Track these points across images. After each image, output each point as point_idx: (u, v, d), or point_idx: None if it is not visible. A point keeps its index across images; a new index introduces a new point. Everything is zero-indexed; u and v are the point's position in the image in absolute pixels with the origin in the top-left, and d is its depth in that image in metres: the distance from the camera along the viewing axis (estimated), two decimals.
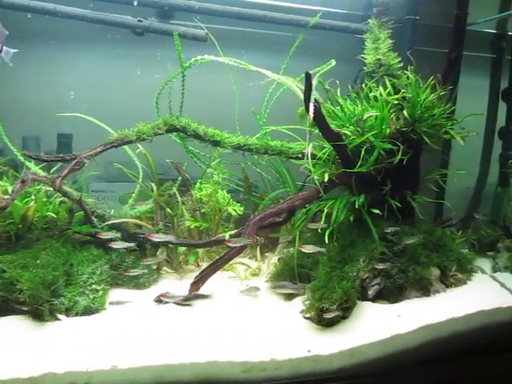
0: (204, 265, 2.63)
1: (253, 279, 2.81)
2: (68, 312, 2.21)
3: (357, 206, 2.46)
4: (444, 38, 2.88)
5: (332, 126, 2.42)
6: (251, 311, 2.36)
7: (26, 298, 2.10)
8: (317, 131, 2.45)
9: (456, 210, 3.19)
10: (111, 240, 2.48)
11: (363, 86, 2.68)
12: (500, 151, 3.76)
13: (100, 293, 2.33)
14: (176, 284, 2.68)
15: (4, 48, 2.37)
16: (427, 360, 2.22)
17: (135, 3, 2.96)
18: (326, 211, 2.51)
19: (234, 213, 2.90)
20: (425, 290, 2.50)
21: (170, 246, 2.75)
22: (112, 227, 2.71)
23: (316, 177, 2.49)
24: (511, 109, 3.68)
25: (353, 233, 2.55)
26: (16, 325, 2.10)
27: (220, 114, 2.96)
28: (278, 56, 3.14)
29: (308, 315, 2.25)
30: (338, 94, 2.71)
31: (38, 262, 2.25)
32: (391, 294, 2.45)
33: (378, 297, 2.44)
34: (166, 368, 1.89)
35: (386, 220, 2.56)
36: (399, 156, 2.43)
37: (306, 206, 2.64)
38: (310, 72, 2.15)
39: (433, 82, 2.61)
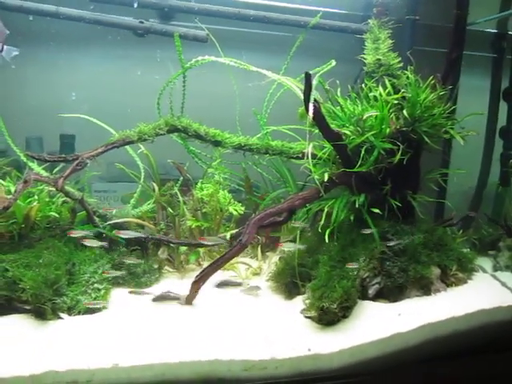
0: (205, 264, 2.64)
1: (254, 278, 2.83)
2: (70, 311, 2.23)
3: (357, 206, 2.47)
4: (444, 38, 2.88)
5: (332, 126, 2.43)
6: (252, 310, 2.37)
7: (29, 296, 2.13)
8: (317, 131, 2.46)
9: (458, 209, 3.20)
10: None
11: (363, 85, 2.69)
12: (501, 151, 3.76)
13: (102, 292, 2.35)
14: (177, 283, 2.69)
15: (5, 47, 2.39)
16: (428, 359, 2.23)
17: (135, 5, 2.98)
18: (326, 211, 2.52)
19: (235, 212, 2.92)
20: (425, 289, 2.49)
21: (172, 245, 2.77)
22: (114, 227, 2.73)
23: (316, 176, 2.50)
24: None
25: (353, 232, 2.56)
26: (19, 323, 2.12)
27: (221, 114, 2.98)
28: (278, 56, 3.15)
29: (308, 314, 2.26)
30: (339, 94, 2.72)
31: (41, 261, 2.27)
32: (391, 293, 2.45)
33: (379, 296, 2.44)
34: (167, 366, 1.91)
35: (386, 219, 2.56)
36: (399, 156, 2.44)
37: (307, 205, 2.65)
38: (310, 72, 2.16)
39: (433, 82, 2.62)
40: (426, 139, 2.51)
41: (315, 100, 2.19)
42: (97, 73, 3.40)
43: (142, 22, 3.07)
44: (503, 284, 2.66)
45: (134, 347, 1.96)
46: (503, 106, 3.75)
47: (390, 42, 2.88)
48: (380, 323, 2.22)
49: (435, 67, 2.77)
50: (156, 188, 2.99)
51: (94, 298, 2.29)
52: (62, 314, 2.20)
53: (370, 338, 2.11)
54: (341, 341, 2.09)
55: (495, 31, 3.75)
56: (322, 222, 2.49)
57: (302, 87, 2.20)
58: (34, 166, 2.79)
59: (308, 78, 2.14)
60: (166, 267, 2.87)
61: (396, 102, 2.57)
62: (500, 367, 2.34)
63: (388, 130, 2.50)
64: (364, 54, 2.90)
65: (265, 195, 3.22)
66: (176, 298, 2.41)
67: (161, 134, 2.71)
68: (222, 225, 3.01)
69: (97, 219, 2.72)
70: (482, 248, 3.16)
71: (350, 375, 2.09)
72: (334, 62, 2.74)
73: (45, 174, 2.68)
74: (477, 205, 3.67)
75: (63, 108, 3.03)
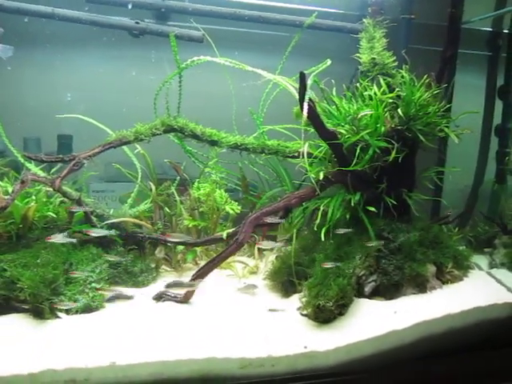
0: (202, 263, 2.66)
1: (251, 277, 2.84)
2: (68, 310, 2.24)
3: (352, 204, 2.49)
4: (439, 37, 2.90)
5: (328, 125, 2.44)
6: (249, 308, 2.39)
7: (27, 296, 2.14)
8: (313, 130, 2.47)
9: (454, 207, 3.21)
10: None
11: (358, 85, 2.71)
12: (497, 148, 3.77)
13: (99, 291, 2.36)
14: None
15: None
16: (424, 356, 2.24)
17: (129, 6, 2.99)
18: (322, 209, 2.53)
19: (231, 212, 2.93)
20: (421, 286, 2.51)
21: (169, 244, 2.79)
22: (111, 226, 2.75)
23: (312, 175, 2.51)
24: (507, 106, 3.69)
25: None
26: (17, 323, 2.14)
27: (217, 114, 2.99)
28: (274, 56, 3.16)
29: (305, 312, 2.27)
30: (334, 93, 2.73)
31: (39, 260, 2.29)
32: (387, 290, 2.47)
33: (375, 294, 2.46)
34: (164, 365, 1.92)
35: (381, 217, 2.58)
36: (394, 154, 2.45)
37: (303, 204, 2.66)
38: (305, 72, 2.18)
39: (428, 81, 2.63)
40: (421, 137, 2.52)
41: (310, 99, 2.21)
42: (93, 73, 3.41)
43: (137, 23, 3.09)
44: (499, 281, 2.68)
45: (131, 346, 1.97)
46: (499, 104, 3.76)
47: (385, 41, 2.89)
48: (376, 321, 2.23)
49: (430, 66, 2.78)
50: (153, 188, 3.00)
51: (92, 298, 2.30)
52: (59, 314, 2.21)
53: (366, 336, 2.13)
54: (337, 338, 2.10)
55: (490, 29, 3.76)
56: (318, 221, 2.51)
57: (298, 87, 2.21)
58: (32, 166, 2.79)
59: (302, 78, 2.16)
60: (164, 266, 2.89)
61: (391, 100, 2.58)
62: (496, 364, 2.35)
63: (383, 129, 2.52)
64: (359, 53, 2.91)
65: (261, 194, 3.23)
66: (174, 297, 2.43)
67: (157, 134, 2.73)
68: (219, 224, 3.03)
69: (94, 219, 2.73)
70: (477, 245, 3.18)
71: (346, 372, 2.11)
72: (329, 62, 2.75)
73: (42, 174, 2.69)
74: (473, 202, 3.68)
75: (61, 109, 3.04)
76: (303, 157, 2.41)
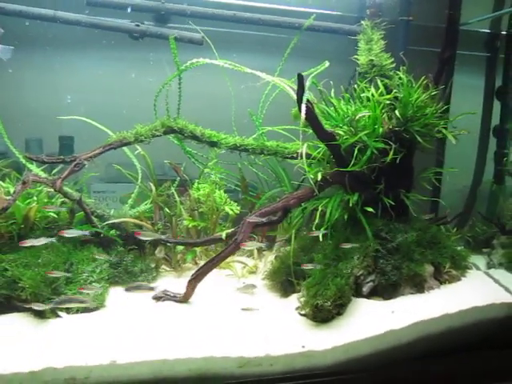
0: (201, 263, 2.68)
1: (250, 277, 2.86)
2: (68, 309, 2.26)
3: (350, 205, 2.50)
4: (438, 38, 2.91)
5: (326, 126, 2.46)
6: (248, 308, 2.40)
7: (28, 295, 2.17)
8: (311, 131, 2.49)
9: (453, 207, 3.23)
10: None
11: (356, 86, 2.73)
12: (495, 149, 3.79)
13: (100, 291, 2.38)
14: (174, 282, 2.73)
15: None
16: (421, 355, 2.25)
17: (129, 10, 3.03)
18: (320, 210, 2.55)
19: (230, 212, 2.95)
20: (419, 286, 2.52)
21: (168, 244, 2.81)
22: (112, 227, 2.77)
23: (311, 176, 2.53)
24: (505, 107, 3.71)
25: (347, 230, 2.59)
26: (18, 322, 2.16)
27: (217, 115, 3.02)
28: (274, 57, 3.18)
29: (303, 312, 2.29)
30: (333, 94, 2.75)
31: (40, 260, 2.32)
32: (385, 290, 2.48)
33: (373, 293, 2.47)
34: (164, 363, 1.94)
35: (379, 218, 2.59)
36: (392, 155, 2.47)
37: (302, 204, 2.68)
38: (303, 74, 2.20)
39: (425, 82, 2.65)
40: (419, 138, 2.54)
41: (308, 101, 2.22)
42: (94, 75, 3.44)
43: (138, 25, 3.12)
44: (496, 281, 2.68)
45: (131, 344, 1.99)
46: (497, 105, 3.78)
47: (383, 42, 2.91)
48: (374, 320, 2.24)
49: (429, 67, 2.80)
50: (153, 188, 3.03)
51: (92, 297, 2.32)
52: (60, 313, 2.23)
53: (364, 335, 2.14)
54: (335, 338, 2.12)
55: (489, 31, 3.78)
56: (317, 221, 2.52)
57: (296, 88, 2.23)
58: (33, 167, 2.82)
59: (300, 80, 2.18)
60: (163, 266, 2.92)
61: (388, 102, 2.60)
62: (494, 364, 2.36)
63: (381, 130, 2.53)
64: (357, 54, 2.93)
65: (260, 195, 3.25)
66: (173, 297, 2.45)
67: (157, 135, 2.75)
68: (219, 224, 3.05)
69: (95, 219, 2.76)
70: (476, 246, 3.19)
71: (343, 372, 2.12)
72: (327, 63, 2.77)
73: (43, 175, 2.72)
74: (471, 203, 3.70)
75: (62, 110, 3.08)
76: (302, 158, 2.43)
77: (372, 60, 2.83)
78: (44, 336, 2.05)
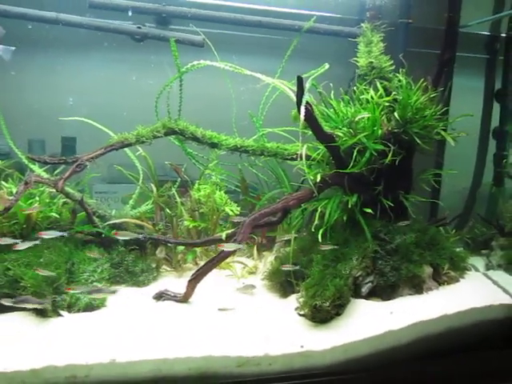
0: (202, 263, 2.69)
1: (249, 277, 2.88)
2: (70, 308, 2.29)
3: (350, 206, 2.52)
4: (437, 40, 2.93)
5: (325, 128, 2.48)
6: (247, 308, 2.42)
7: (30, 294, 2.18)
8: (311, 133, 2.51)
9: (453, 209, 3.24)
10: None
11: (356, 88, 2.74)
12: (494, 151, 3.80)
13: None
14: (175, 282, 2.75)
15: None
16: (420, 356, 2.26)
17: (129, 13, 3.06)
18: (319, 211, 2.57)
19: (230, 213, 2.97)
20: (417, 287, 2.54)
21: (169, 245, 2.83)
22: (113, 227, 2.80)
23: (310, 177, 2.55)
24: (505, 109, 3.72)
25: (346, 232, 2.61)
26: (20, 320, 2.18)
27: (217, 116, 3.04)
28: (274, 59, 3.20)
29: (302, 312, 2.30)
30: (333, 96, 2.77)
31: (42, 260, 2.34)
32: (384, 291, 2.49)
33: (372, 294, 2.49)
34: (164, 362, 1.95)
35: (378, 219, 2.61)
36: (391, 157, 2.49)
37: (301, 205, 2.70)
38: (303, 76, 2.22)
39: (425, 84, 2.66)
40: (418, 140, 2.55)
41: (308, 103, 2.24)
42: (96, 77, 3.46)
43: (139, 28, 3.14)
44: (495, 282, 2.70)
45: (131, 343, 2.01)
46: (497, 107, 3.79)
47: (383, 45, 2.93)
48: (372, 321, 2.26)
49: (428, 69, 2.82)
50: (154, 189, 3.05)
51: (93, 297, 2.34)
52: (62, 312, 2.26)
53: (363, 336, 2.15)
54: (333, 338, 2.13)
55: (488, 33, 3.79)
56: (316, 222, 2.54)
57: (295, 90, 2.25)
58: (36, 168, 2.86)
59: (300, 82, 2.20)
60: (164, 266, 2.94)
61: (388, 104, 2.62)
62: (492, 365, 2.37)
63: (380, 132, 2.55)
64: (357, 57, 2.95)
65: (261, 196, 3.27)
66: (173, 297, 2.47)
67: (158, 137, 2.77)
68: (219, 225, 3.07)
69: (96, 219, 2.78)
70: (475, 247, 3.20)
71: (342, 372, 2.13)
72: (327, 65, 2.79)
73: (46, 175, 2.75)
74: (471, 205, 3.71)
75: (64, 111, 3.10)
76: (301, 159, 2.45)
77: (371, 62, 2.85)
78: (45, 334, 2.07)
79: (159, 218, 3.05)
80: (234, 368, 2.01)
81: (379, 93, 2.64)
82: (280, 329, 2.20)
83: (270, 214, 2.53)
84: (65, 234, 2.46)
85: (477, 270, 2.94)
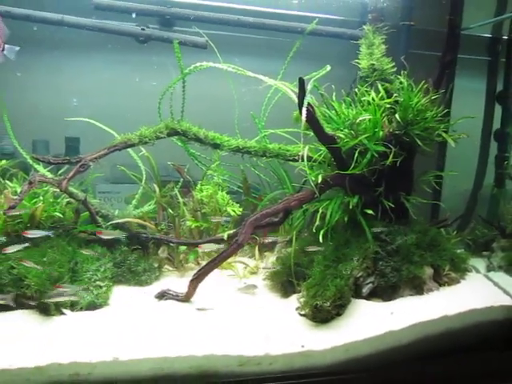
0: (203, 263, 2.71)
1: (251, 277, 2.90)
2: (73, 307, 2.31)
3: (351, 207, 2.53)
4: (439, 42, 2.94)
5: (327, 129, 2.50)
6: (248, 308, 2.44)
7: (34, 293, 2.21)
8: (313, 134, 2.52)
9: (454, 210, 3.25)
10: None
11: (357, 90, 2.76)
12: (496, 153, 3.81)
13: (103, 289, 2.43)
14: (177, 281, 2.77)
15: (6, 46, 2.48)
16: (420, 356, 2.27)
17: (133, 15, 3.09)
18: (320, 211, 2.58)
19: (232, 213, 2.99)
20: (418, 288, 2.54)
21: (171, 244, 2.86)
22: (116, 227, 2.82)
23: (312, 178, 2.56)
24: (506, 111, 3.73)
25: (347, 232, 2.62)
26: (24, 318, 2.20)
27: (220, 117, 3.06)
28: (277, 60, 3.22)
29: (303, 312, 2.31)
30: (335, 98, 2.79)
31: (45, 259, 2.36)
32: (385, 292, 2.50)
33: (372, 295, 2.49)
34: (165, 360, 1.97)
35: (379, 220, 2.62)
36: (391, 158, 2.50)
37: (303, 206, 2.71)
38: (305, 77, 2.24)
39: (426, 86, 2.68)
40: (419, 142, 2.57)
41: (309, 104, 2.26)
42: (100, 78, 3.50)
43: (143, 29, 3.17)
44: (496, 284, 2.70)
45: (133, 342, 2.03)
46: (499, 109, 3.80)
47: (385, 47, 2.94)
48: (373, 321, 2.26)
49: (430, 70, 2.83)
50: (157, 189, 3.08)
51: (96, 295, 2.37)
52: (65, 310, 2.28)
53: (363, 336, 2.16)
54: (334, 338, 2.14)
55: (490, 35, 3.81)
56: (317, 223, 2.55)
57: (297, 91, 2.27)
58: (40, 167, 2.88)
59: (301, 84, 2.21)
60: (166, 266, 2.95)
61: (389, 105, 2.63)
62: (492, 366, 2.38)
63: (381, 133, 2.56)
64: (359, 59, 2.97)
65: (262, 196, 3.29)
66: (175, 296, 2.49)
67: (161, 137, 2.80)
68: (221, 225, 3.09)
69: (100, 219, 2.81)
70: (476, 248, 3.20)
71: (343, 372, 2.14)
72: (328, 67, 2.81)
73: (50, 175, 2.77)
74: (472, 206, 3.72)
75: (68, 112, 3.13)
76: (303, 160, 2.46)
77: (373, 64, 2.86)
78: (49, 332, 2.09)
79: (162, 218, 3.07)
80: (235, 367, 2.03)
81: (380, 95, 2.65)
82: (281, 328, 2.22)
83: (271, 214, 2.55)
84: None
85: (478, 271, 2.94)
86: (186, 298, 2.47)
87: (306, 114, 2.23)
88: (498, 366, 2.38)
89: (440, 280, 2.65)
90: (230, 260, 2.73)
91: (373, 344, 2.18)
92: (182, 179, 3.23)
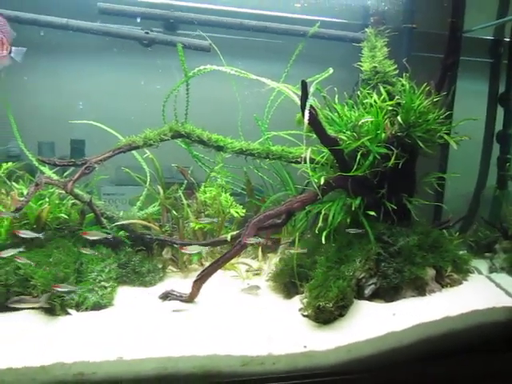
0: (207, 264, 2.73)
1: (254, 278, 2.92)
2: (78, 307, 2.34)
3: (353, 208, 2.54)
4: (441, 45, 2.95)
5: (330, 132, 2.52)
6: (251, 309, 2.46)
7: (40, 293, 2.24)
8: (315, 136, 2.54)
9: (457, 212, 3.25)
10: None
11: (359, 92, 2.78)
12: (498, 154, 3.81)
13: (108, 289, 2.46)
14: (180, 282, 2.79)
15: (13, 48, 2.51)
16: (422, 357, 2.28)
17: (138, 20, 3.13)
18: (323, 213, 2.60)
19: (236, 215, 3.02)
20: (420, 289, 2.55)
21: (175, 246, 2.88)
22: (121, 228, 2.85)
23: (314, 180, 2.58)
24: (508, 113, 3.73)
25: (349, 234, 2.63)
26: (30, 318, 2.23)
27: (223, 120, 3.09)
28: (280, 63, 3.25)
29: (306, 313, 2.33)
30: (338, 100, 2.81)
31: (51, 259, 2.39)
32: (387, 293, 2.51)
33: (375, 296, 2.50)
34: (169, 360, 1.99)
35: (381, 222, 2.63)
36: (393, 160, 2.51)
37: (305, 208, 2.73)
38: (308, 80, 2.26)
39: (428, 88, 2.69)
40: (421, 144, 2.58)
41: (312, 107, 2.28)
42: (105, 81, 3.54)
43: (147, 33, 3.21)
44: (498, 285, 2.70)
45: (137, 341, 2.05)
46: (501, 111, 3.80)
47: (387, 49, 2.96)
48: (375, 322, 2.28)
49: (432, 73, 2.84)
50: (161, 191, 3.11)
51: (101, 296, 2.39)
52: (70, 310, 2.31)
53: (366, 337, 2.17)
54: (336, 338, 2.15)
55: (492, 37, 3.82)
56: (320, 224, 2.57)
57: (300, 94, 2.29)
58: (46, 170, 2.92)
59: (304, 86, 2.24)
60: (170, 267, 2.98)
61: (391, 108, 2.64)
62: (494, 367, 2.38)
63: (383, 136, 2.58)
64: (361, 61, 2.99)
65: (266, 198, 3.31)
66: (179, 297, 2.51)
67: (165, 140, 2.83)
68: (224, 226, 3.11)
69: (104, 221, 2.84)
70: (478, 250, 3.21)
71: (345, 372, 2.15)
72: (331, 70, 2.83)
73: (55, 177, 2.81)
74: (475, 208, 3.72)
75: (73, 114, 3.17)
76: (306, 162, 2.48)
77: (375, 67, 2.88)
78: (54, 332, 2.12)
79: (166, 220, 3.09)
80: (238, 367, 2.04)
81: (382, 97, 2.67)
82: (284, 329, 2.23)
83: (274, 216, 2.57)
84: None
85: (480, 272, 2.95)
86: (190, 299, 2.50)
87: (309, 116, 2.25)
88: (499, 367, 2.38)
89: (442, 281, 2.66)
90: (233, 261, 2.75)
91: (375, 345, 2.20)
92: (185, 181, 3.26)
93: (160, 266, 2.88)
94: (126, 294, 2.58)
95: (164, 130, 2.82)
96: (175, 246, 2.89)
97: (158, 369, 1.99)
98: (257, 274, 2.97)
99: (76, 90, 3.47)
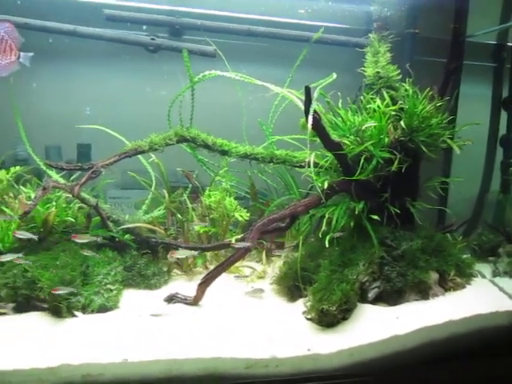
0: (212, 267, 2.76)
1: (258, 281, 2.93)
2: (84, 309, 2.36)
3: (357, 212, 2.56)
4: (444, 50, 2.97)
5: (333, 136, 2.53)
6: (255, 311, 2.48)
7: (46, 295, 2.27)
8: (319, 141, 2.56)
9: (461, 216, 3.26)
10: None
11: (362, 97, 2.80)
12: (501, 159, 3.81)
13: (114, 292, 2.48)
14: (185, 285, 2.81)
15: (21, 54, 2.56)
16: (425, 361, 2.28)
17: (144, 27, 3.18)
18: (327, 217, 2.62)
19: (240, 218, 3.04)
20: (423, 293, 2.55)
21: (180, 249, 2.91)
22: (126, 231, 2.88)
23: (318, 184, 2.60)
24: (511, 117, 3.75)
25: (353, 238, 2.65)
26: (37, 320, 2.26)
27: (228, 124, 3.12)
28: (285, 68, 3.28)
29: (309, 316, 2.34)
30: (341, 105, 2.83)
31: (58, 262, 2.42)
32: (390, 296, 2.52)
33: (378, 299, 2.51)
34: (174, 362, 2.01)
35: (385, 226, 2.64)
36: (397, 164, 2.53)
37: (309, 212, 2.75)
38: (312, 85, 2.29)
39: (431, 93, 2.71)
40: (424, 149, 2.59)
41: (315, 111, 2.30)
42: (111, 87, 3.57)
43: (153, 39, 3.25)
44: (501, 289, 2.70)
45: (142, 344, 2.07)
46: (504, 115, 3.81)
47: (390, 55, 2.97)
48: (378, 326, 2.28)
49: (435, 77, 2.86)
50: (166, 195, 3.14)
51: (107, 298, 2.42)
52: (76, 312, 2.33)
53: (369, 340, 2.18)
54: (340, 342, 2.16)
55: (495, 42, 3.83)
56: (324, 228, 2.59)
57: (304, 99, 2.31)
58: (53, 174, 2.95)
59: (308, 92, 2.26)
60: (175, 270, 3.00)
61: (394, 112, 2.66)
62: (497, 371, 2.38)
63: (386, 140, 2.59)
64: (364, 66, 3.01)
65: (270, 202, 3.34)
66: (184, 299, 2.54)
67: (171, 144, 2.86)
68: (229, 230, 3.13)
69: (110, 224, 2.87)
70: (482, 254, 3.20)
71: (348, 375, 2.16)
72: (335, 75, 2.85)
73: (62, 181, 2.84)
74: (478, 212, 3.72)
75: (80, 119, 3.21)
76: (310, 166, 2.50)
77: (379, 72, 2.90)
78: (60, 334, 2.15)
79: (171, 223, 3.12)
80: (242, 370, 2.05)
81: (386, 102, 2.69)
82: (287, 332, 2.24)
83: (278, 219, 2.59)
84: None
85: (483, 276, 2.94)
86: (195, 302, 2.52)
87: (312, 121, 2.27)
88: (502, 371, 2.38)
89: (445, 285, 2.66)
90: (237, 264, 2.77)
91: (378, 348, 2.20)
92: (190, 185, 3.29)
93: (165, 269, 2.90)
94: (131, 297, 2.61)
95: (169, 135, 2.85)
96: (180, 249, 2.91)
97: (163, 371, 2.01)
98: (261, 277, 2.99)
99: (83, 95, 3.52)
